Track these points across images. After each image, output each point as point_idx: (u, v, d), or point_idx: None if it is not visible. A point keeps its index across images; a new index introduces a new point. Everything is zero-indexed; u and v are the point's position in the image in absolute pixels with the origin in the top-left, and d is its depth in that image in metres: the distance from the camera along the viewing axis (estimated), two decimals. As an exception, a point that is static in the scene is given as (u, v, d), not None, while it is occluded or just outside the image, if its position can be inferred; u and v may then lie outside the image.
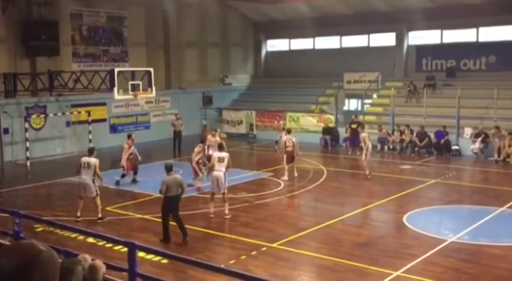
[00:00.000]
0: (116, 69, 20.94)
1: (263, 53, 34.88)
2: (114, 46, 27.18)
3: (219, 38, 32.45)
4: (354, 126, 23.14)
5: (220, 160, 13.49)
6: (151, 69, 21.78)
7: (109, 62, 26.53)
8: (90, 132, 22.49)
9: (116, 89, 20.34)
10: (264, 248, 11.01)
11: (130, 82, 20.84)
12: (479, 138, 21.30)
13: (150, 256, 9.58)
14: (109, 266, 5.47)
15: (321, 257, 10.64)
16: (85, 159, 13.38)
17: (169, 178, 11.48)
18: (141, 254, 8.55)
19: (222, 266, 7.77)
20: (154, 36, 28.97)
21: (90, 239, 10.90)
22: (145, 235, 11.97)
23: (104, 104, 25.20)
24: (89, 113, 22.90)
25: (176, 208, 11.50)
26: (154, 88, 21.67)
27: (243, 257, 10.51)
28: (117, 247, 9.99)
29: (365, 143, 17.82)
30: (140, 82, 21.12)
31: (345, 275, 9.76)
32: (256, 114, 28.66)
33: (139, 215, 13.64)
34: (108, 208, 14.26)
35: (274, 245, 11.24)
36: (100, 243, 10.78)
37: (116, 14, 27.06)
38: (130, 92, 20.77)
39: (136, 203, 15.02)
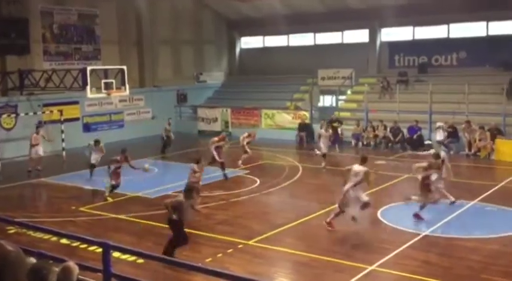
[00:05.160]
0: (89, 68, 20.70)
1: (237, 50, 34.85)
2: (86, 44, 26.83)
3: (193, 36, 32.30)
4: (335, 124, 23.78)
5: None
6: (125, 67, 21.59)
7: (81, 60, 26.19)
8: (62, 131, 22.16)
9: (88, 87, 20.12)
10: (241, 246, 11.03)
11: (103, 80, 20.62)
12: (442, 129, 21.82)
13: (125, 256, 9.50)
14: (83, 267, 5.41)
15: (297, 253, 10.70)
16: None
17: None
18: (116, 254, 8.48)
19: (199, 264, 7.75)
20: (127, 33, 28.70)
21: (64, 241, 10.75)
22: (121, 234, 11.87)
23: (76, 103, 24.87)
24: (61, 112, 22.55)
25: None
26: (127, 86, 21.48)
27: (220, 255, 10.51)
28: (92, 248, 9.88)
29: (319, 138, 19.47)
30: (113, 80, 20.91)
31: (321, 271, 9.83)
32: (231, 111, 28.64)
33: (114, 215, 13.51)
34: (82, 209, 14.12)
35: (250, 242, 11.26)
36: (74, 244, 10.65)
37: (87, 11, 26.70)
38: (103, 91, 20.56)
39: (112, 203, 14.87)
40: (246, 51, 34.65)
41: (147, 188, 16.04)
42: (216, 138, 18.13)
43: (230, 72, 34.68)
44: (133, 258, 9.61)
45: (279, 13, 29.88)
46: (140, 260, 9.57)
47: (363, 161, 12.37)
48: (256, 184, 16.75)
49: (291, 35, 32.16)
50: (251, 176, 17.81)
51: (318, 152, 19.34)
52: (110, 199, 14.98)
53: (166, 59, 30.70)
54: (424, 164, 13.15)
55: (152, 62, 29.69)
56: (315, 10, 29.25)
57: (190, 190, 10.99)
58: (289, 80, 30.30)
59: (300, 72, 29.73)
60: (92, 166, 17.55)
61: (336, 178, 17.58)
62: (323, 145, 19.16)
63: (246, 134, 20.39)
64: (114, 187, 15.16)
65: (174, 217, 10.29)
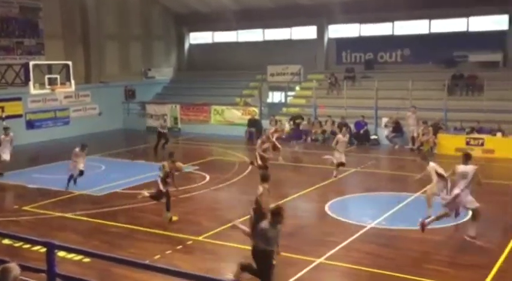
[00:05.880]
0: (31, 63, 20.03)
1: (186, 45, 34.59)
2: (29, 38, 25.97)
3: (141, 31, 31.82)
4: (297, 120, 24.43)
5: None
6: (70, 63, 21.02)
7: (24, 55, 25.33)
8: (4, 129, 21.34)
9: (31, 83, 19.47)
10: (190, 242, 10.99)
11: (47, 76, 20.00)
12: (390, 125, 22.53)
13: (71, 255, 9.30)
14: (25, 268, 5.26)
15: (247, 248, 10.72)
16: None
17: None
18: (61, 253, 8.30)
19: (147, 262, 7.68)
20: (72, 28, 27.96)
21: (6, 241, 10.40)
22: (66, 233, 11.61)
23: (19, 99, 24.07)
24: (2, 109, 21.78)
25: None
26: (73, 82, 20.93)
27: (169, 251, 10.44)
28: (36, 248, 9.61)
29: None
30: (58, 76, 20.31)
31: (270, 265, 9.91)
32: (180, 107, 28.42)
33: (60, 214, 13.19)
34: (26, 208, 13.69)
35: (200, 238, 11.24)
36: (17, 244, 10.33)
37: (30, 4, 25.83)
38: (47, 87, 19.94)
39: (56, 201, 14.49)
40: (195, 47, 34.43)
41: (94, 185, 15.73)
42: (266, 145, 16.21)
43: (179, 68, 34.39)
44: (79, 257, 9.42)
45: (228, 8, 29.88)
46: (86, 259, 9.39)
47: (467, 158, 10.77)
48: (206, 180, 16.71)
49: (240, 31, 32.18)
50: (201, 173, 17.75)
51: (333, 160, 16.65)
52: (175, 218, 12.46)
53: (113, 54, 30.12)
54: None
55: (99, 58, 29.06)
56: (263, 6, 29.38)
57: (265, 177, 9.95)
58: (239, 76, 30.35)
59: (249, 69, 29.82)
60: (81, 173, 15.63)
61: (288, 173, 17.83)
62: (339, 153, 16.66)
63: (272, 130, 19.53)
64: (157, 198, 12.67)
65: (262, 246, 7.97)
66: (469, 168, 10.58)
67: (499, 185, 15.06)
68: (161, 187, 12.33)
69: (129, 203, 13.58)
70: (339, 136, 16.97)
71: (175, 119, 28.44)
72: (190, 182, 16.46)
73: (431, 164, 11.88)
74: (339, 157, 16.59)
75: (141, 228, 11.98)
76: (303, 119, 24.86)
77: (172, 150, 15.17)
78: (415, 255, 10.34)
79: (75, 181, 15.54)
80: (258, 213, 9.56)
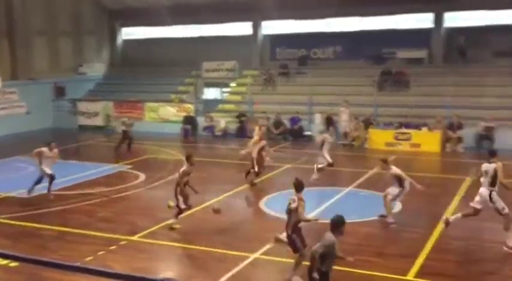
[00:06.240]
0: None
1: (119, 41, 33.86)
2: (-51, 33, 24.61)
3: (71, 26, 30.86)
4: (242, 118, 24.53)
5: None
6: (-6, 59, 20.12)
7: None
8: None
9: (-49, 80, 18.49)
10: (124, 242, 10.82)
11: (-31, 73, 19.05)
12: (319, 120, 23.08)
13: (-3, 260, 8.93)
14: None
15: (181, 246, 10.73)
16: None
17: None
18: (-14, 259, 7.96)
19: (78, 264, 7.49)
20: (-3, 23, 26.74)
21: None
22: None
23: None
24: None
25: None
26: (-1, 79, 20.05)
27: (101, 253, 10.23)
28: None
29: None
30: (-19, 73, 19.39)
31: (206, 262, 9.94)
32: (113, 104, 27.80)
33: (-15, 217, 12.62)
34: None
35: (134, 238, 11.09)
36: None
37: (-51, -3, 24.49)
38: (-31, 84, 19.00)
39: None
40: (129, 42, 33.76)
41: (22, 187, 15.11)
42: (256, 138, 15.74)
43: (112, 64, 33.62)
44: (5, 262, 9.05)
45: (161, 3, 29.45)
46: (14, 264, 9.04)
47: (492, 156, 10.37)
48: (141, 179, 16.47)
49: (175, 26, 31.83)
50: (135, 171, 17.46)
51: (320, 165, 15.83)
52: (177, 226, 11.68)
53: (42, 50, 29.04)
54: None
55: (26, 53, 27.93)
56: (198, 1, 29.18)
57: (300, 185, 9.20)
58: (174, 72, 30.03)
59: (184, 65, 29.56)
60: (52, 178, 14.05)
61: (221, 170, 17.86)
62: (326, 153, 15.97)
63: (257, 128, 18.12)
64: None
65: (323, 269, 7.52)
66: (491, 166, 10.22)
67: (425, 177, 15.72)
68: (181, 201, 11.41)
69: (60, 205, 13.18)
70: (326, 136, 16.08)
71: (109, 117, 27.79)
72: (124, 181, 16.18)
73: (395, 168, 11.87)
74: (326, 157, 15.86)
75: (73, 230, 11.67)
76: (246, 116, 24.95)
77: (191, 152, 13.66)
78: (347, 247, 10.57)
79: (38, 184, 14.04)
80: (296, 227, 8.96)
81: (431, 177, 16.35)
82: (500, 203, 10.12)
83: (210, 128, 25.15)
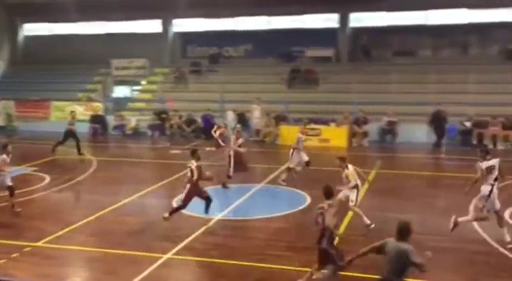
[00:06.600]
0: None
1: (21, 37, 32.14)
2: None
3: (-34, 21, 28.92)
4: (163, 115, 24.34)
5: None
6: None
7: None
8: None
9: None
10: (28, 249, 10.29)
11: None
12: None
13: None
14: None
15: (90, 250, 10.37)
16: None
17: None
18: None
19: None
20: None
21: None
22: None
23: None
24: None
25: None
26: None
27: (2, 261, 9.66)
28: None
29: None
30: None
31: (116, 265, 9.68)
32: (15, 104, 26.38)
33: None
34: None
35: (39, 244, 10.58)
36: None
37: None
38: None
39: None
40: (31, 39, 32.16)
41: None
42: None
43: (13, 62, 31.85)
44: None
45: (66, -1, 28.29)
46: None
47: (488, 153, 10.45)
48: (46, 181, 15.77)
49: (81, 23, 30.73)
50: (40, 173, 16.69)
51: (291, 165, 15.27)
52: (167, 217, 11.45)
53: None
54: None
55: None
56: (105, -2, 28.35)
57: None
58: (82, 70, 29.00)
59: (93, 62, 28.62)
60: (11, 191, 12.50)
61: (132, 169, 17.49)
62: (297, 155, 15.35)
63: (216, 128, 17.69)
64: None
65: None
66: (493, 162, 10.18)
67: (331, 171, 16.25)
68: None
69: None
70: (299, 135, 15.67)
71: (10, 116, 26.34)
72: (28, 184, 15.40)
73: (351, 168, 11.36)
74: (303, 156, 15.42)
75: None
76: (167, 113, 24.61)
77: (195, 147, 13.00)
78: (258, 243, 10.79)
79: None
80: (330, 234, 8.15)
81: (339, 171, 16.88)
82: (495, 201, 10.13)
83: (120, 127, 24.58)
